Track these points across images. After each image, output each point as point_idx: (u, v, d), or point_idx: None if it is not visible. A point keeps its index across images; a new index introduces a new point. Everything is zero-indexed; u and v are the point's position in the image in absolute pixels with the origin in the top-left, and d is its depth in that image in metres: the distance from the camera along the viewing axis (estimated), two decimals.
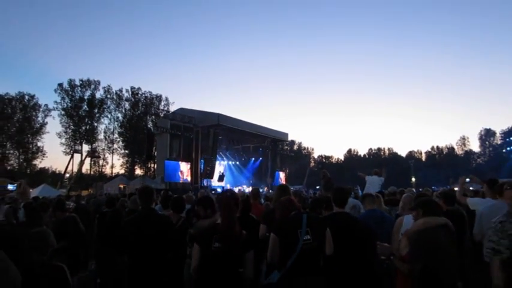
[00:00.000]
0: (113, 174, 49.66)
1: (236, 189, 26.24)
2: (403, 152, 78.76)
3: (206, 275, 2.85)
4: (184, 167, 27.22)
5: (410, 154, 76.47)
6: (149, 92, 53.04)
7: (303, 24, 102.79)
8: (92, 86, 49.64)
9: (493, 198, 4.17)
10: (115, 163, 53.82)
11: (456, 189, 5.59)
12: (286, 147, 54.84)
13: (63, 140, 47.87)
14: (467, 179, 5.54)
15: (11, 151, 46.81)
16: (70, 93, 48.40)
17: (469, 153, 73.28)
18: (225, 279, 2.81)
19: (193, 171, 27.61)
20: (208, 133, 27.18)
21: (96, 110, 49.84)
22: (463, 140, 74.75)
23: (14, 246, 1.81)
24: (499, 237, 2.35)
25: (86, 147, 48.23)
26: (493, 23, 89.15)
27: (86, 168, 47.30)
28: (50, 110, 48.20)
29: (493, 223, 2.43)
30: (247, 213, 4.51)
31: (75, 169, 39.64)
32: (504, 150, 57.95)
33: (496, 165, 50.80)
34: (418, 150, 79.16)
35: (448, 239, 2.84)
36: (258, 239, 3.96)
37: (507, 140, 61.07)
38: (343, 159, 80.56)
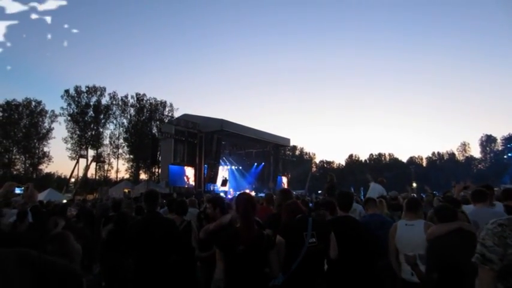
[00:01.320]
0: (118, 179, 50.11)
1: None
2: (404, 158, 79.11)
3: (234, 279, 2.80)
4: (190, 172, 27.67)
5: (411, 159, 76.73)
6: (154, 98, 53.95)
7: (305, 30, 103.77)
8: (98, 93, 50.56)
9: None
10: (120, 168, 54.74)
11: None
12: (288, 152, 55.26)
13: (69, 145, 48.71)
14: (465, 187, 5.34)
15: (18, 156, 47.46)
16: (76, 99, 49.26)
17: (470, 159, 73.39)
18: (253, 281, 2.80)
19: (197, 176, 28.11)
20: (211, 138, 27.52)
21: (101, 116, 50.61)
22: (464, 146, 75.10)
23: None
24: (494, 243, 1.85)
25: (91, 152, 49.21)
26: (493, 28, 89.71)
27: (91, 172, 48.11)
28: (56, 116, 49.04)
29: (491, 224, 1.92)
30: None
31: (81, 174, 40.41)
32: (505, 156, 58.19)
33: (498, 171, 51.00)
34: (419, 156, 79.38)
35: (465, 242, 2.59)
36: None
37: (508, 146, 61.37)
38: (344, 164, 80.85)
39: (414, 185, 45.30)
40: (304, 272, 2.92)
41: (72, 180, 36.82)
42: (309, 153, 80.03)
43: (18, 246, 2.16)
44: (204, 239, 3.88)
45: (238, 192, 26.57)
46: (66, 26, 69.62)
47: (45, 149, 48.78)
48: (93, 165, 47.41)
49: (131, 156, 52.30)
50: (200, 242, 4.10)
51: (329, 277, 3.16)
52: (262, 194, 24.06)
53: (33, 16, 46.85)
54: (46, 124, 49.12)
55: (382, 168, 66.39)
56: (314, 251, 2.97)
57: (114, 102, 51.78)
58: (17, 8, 43.84)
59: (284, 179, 35.89)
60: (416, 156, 79.20)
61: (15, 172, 46.06)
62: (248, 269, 2.80)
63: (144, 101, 53.35)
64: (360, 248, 3.35)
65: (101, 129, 51.10)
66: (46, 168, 50.67)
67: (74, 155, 46.79)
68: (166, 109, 53.83)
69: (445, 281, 2.64)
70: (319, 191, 30.51)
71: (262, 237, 2.92)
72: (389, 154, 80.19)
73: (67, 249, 2.35)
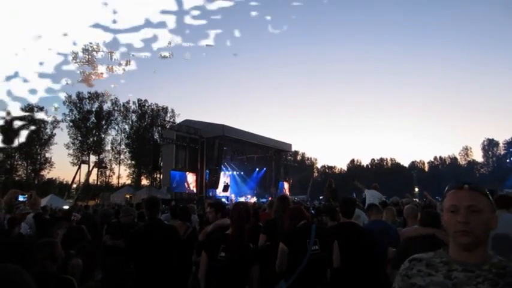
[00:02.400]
0: (120, 185, 49.88)
1: (241, 199, 26.72)
2: (405, 162, 78.91)
3: (212, 285, 2.81)
4: (191, 178, 27.70)
5: (413, 164, 76.56)
6: (155, 104, 54.04)
7: (306, 35, 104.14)
8: (100, 99, 50.57)
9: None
10: (121, 173, 54.41)
11: None
12: (289, 157, 55.09)
13: (70, 151, 48.63)
14: None
15: (20, 162, 47.42)
16: (78, 105, 49.32)
17: (472, 164, 73.13)
18: None
19: (199, 181, 28.11)
20: (213, 144, 27.56)
21: (103, 122, 50.66)
22: (466, 151, 74.89)
23: (23, 257, 1.89)
24: (399, 286, 1.44)
25: (93, 158, 49.08)
26: (494, 32, 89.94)
27: (93, 178, 47.99)
28: (58, 122, 48.91)
29: (407, 260, 1.50)
30: (257, 222, 4.59)
31: (83, 179, 40.38)
32: (508, 161, 57.90)
33: (500, 176, 50.73)
34: (420, 161, 79.30)
35: (431, 249, 2.49)
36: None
37: (510, 150, 61.15)
38: (346, 170, 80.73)
39: (416, 189, 45.16)
40: (307, 279, 2.89)
41: (74, 186, 36.76)
42: (311, 158, 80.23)
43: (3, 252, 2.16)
44: (203, 241, 3.89)
45: (239, 198, 26.53)
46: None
47: (47, 155, 48.80)
48: (95, 171, 47.43)
49: (133, 162, 52.36)
50: (199, 245, 4.09)
51: (332, 285, 3.13)
52: (264, 200, 24.09)
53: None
54: (48, 130, 49.18)
55: (383, 173, 66.23)
56: (317, 259, 2.94)
57: (115, 108, 51.98)
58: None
59: (286, 185, 35.82)
60: (418, 160, 79.24)
61: (17, 178, 46.04)
62: (227, 279, 2.75)
63: (146, 107, 53.55)
64: (364, 255, 3.32)
65: (103, 135, 51.24)
66: (48, 174, 50.70)
67: (76, 161, 46.85)
68: (168, 115, 54.03)
69: None
70: (321, 197, 30.43)
71: (247, 249, 2.91)
72: (391, 159, 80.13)
73: (55, 257, 2.55)
